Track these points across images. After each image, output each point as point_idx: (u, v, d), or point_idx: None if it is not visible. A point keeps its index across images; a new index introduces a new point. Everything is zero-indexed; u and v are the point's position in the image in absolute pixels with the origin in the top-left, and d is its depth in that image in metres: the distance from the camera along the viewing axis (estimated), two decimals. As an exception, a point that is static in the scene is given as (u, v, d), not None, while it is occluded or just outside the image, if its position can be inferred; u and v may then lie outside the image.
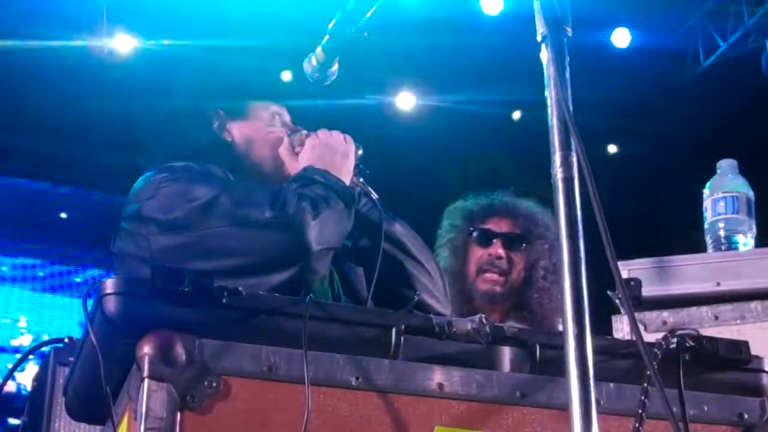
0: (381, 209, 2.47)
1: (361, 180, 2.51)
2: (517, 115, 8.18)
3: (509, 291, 3.39)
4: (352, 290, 2.49)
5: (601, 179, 1.44)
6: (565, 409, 1.40)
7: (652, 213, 8.03)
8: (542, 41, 1.57)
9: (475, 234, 3.45)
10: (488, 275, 3.38)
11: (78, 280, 9.51)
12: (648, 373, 1.63)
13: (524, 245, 3.42)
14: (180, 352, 1.53)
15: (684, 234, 3.13)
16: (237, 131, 2.56)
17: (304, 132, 2.54)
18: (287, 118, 2.62)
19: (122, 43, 7.13)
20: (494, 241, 3.42)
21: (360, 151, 2.53)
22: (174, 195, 2.26)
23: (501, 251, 3.40)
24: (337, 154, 2.45)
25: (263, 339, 1.59)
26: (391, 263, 2.43)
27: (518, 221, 3.47)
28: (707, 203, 2.71)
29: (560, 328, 3.42)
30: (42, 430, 2.69)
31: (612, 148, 8.50)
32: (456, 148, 7.81)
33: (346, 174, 2.43)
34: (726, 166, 2.75)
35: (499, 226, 3.45)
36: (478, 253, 3.43)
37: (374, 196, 2.49)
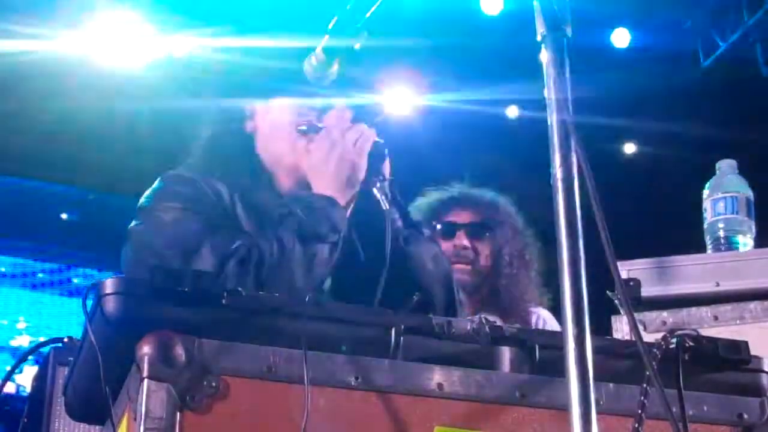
0: (389, 238, 2.19)
1: (379, 192, 2.24)
2: (513, 111, 8.16)
3: (479, 280, 3.44)
4: None
5: (601, 179, 1.44)
6: (564, 409, 1.40)
7: (651, 213, 8.02)
8: (542, 41, 1.57)
9: (438, 228, 3.48)
10: (456, 266, 3.37)
11: (77, 280, 9.52)
12: (647, 373, 1.63)
13: (488, 233, 3.49)
14: (180, 352, 1.53)
15: (684, 234, 3.13)
16: (261, 117, 2.41)
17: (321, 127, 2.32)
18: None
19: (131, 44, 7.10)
20: (458, 232, 3.47)
21: (386, 152, 2.26)
22: (146, 235, 2.16)
23: (465, 241, 3.45)
24: (344, 162, 2.25)
25: (263, 339, 1.59)
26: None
27: (479, 210, 3.53)
28: (707, 203, 2.71)
29: (530, 310, 3.51)
30: (42, 430, 2.69)
31: (612, 149, 8.49)
32: (455, 149, 7.79)
33: (348, 186, 2.23)
34: (726, 166, 2.74)
35: (461, 217, 3.50)
36: (444, 247, 3.43)
37: (386, 206, 2.24)
